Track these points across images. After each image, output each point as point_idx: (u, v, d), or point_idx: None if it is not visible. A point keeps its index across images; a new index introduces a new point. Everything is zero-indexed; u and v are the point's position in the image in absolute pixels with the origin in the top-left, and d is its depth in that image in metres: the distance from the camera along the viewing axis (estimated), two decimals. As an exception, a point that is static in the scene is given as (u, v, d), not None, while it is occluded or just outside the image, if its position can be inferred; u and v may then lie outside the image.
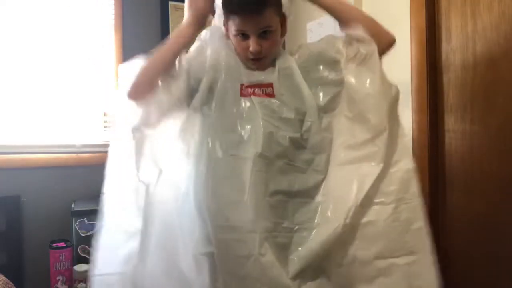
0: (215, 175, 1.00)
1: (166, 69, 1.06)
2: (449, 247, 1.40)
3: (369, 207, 0.96)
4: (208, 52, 1.09)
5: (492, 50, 1.24)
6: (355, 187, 0.95)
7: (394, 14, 1.58)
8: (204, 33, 1.12)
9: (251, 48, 1.03)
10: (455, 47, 1.36)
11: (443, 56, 1.40)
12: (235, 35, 1.05)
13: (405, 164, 0.99)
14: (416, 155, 1.47)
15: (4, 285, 1.40)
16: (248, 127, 1.02)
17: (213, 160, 1.01)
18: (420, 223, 0.96)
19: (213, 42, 1.11)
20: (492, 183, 1.25)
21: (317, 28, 2.08)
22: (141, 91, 1.04)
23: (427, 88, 1.42)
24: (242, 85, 1.07)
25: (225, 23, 1.08)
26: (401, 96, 1.53)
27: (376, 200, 0.96)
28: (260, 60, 1.07)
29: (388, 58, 1.62)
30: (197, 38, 1.12)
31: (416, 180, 0.99)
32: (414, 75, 1.47)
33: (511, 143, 1.19)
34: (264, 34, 1.03)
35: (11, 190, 1.98)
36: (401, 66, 1.54)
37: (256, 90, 1.07)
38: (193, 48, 1.12)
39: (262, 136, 0.99)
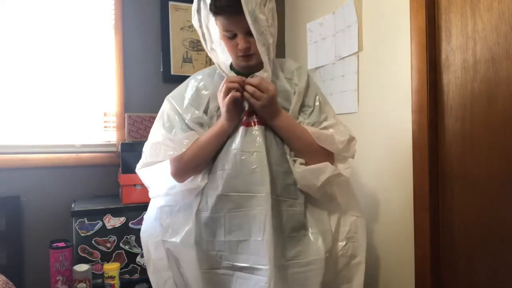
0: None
1: (207, 160, 1.13)
2: (449, 247, 1.40)
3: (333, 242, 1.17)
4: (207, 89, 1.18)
5: (492, 50, 1.24)
6: (333, 225, 1.18)
7: (394, 14, 1.58)
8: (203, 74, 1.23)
9: (239, 46, 1.08)
10: (455, 47, 1.36)
11: (443, 56, 1.40)
12: (224, 35, 1.10)
13: (356, 212, 1.23)
14: (416, 155, 1.47)
15: (4, 285, 1.40)
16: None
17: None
18: (359, 258, 1.22)
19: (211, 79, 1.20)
20: (492, 183, 1.25)
21: (317, 28, 2.08)
22: (184, 175, 1.15)
23: (427, 88, 1.42)
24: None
25: (216, 23, 1.12)
26: (401, 96, 1.54)
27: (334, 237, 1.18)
28: (250, 57, 1.11)
29: (388, 58, 1.63)
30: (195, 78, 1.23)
31: (363, 224, 1.25)
32: (414, 75, 1.47)
33: (511, 143, 1.19)
34: (251, 32, 1.05)
35: (11, 190, 1.98)
36: (401, 66, 1.54)
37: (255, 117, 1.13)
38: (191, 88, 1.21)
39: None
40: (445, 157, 1.41)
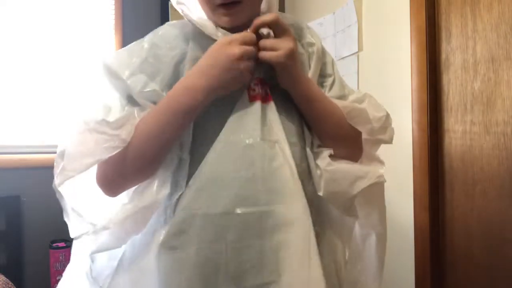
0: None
1: (165, 154, 0.67)
2: (449, 247, 1.40)
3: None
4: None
5: (492, 50, 1.24)
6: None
7: (394, 14, 1.58)
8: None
9: None
10: (455, 47, 1.36)
11: (443, 56, 1.40)
12: None
13: (376, 227, 0.86)
14: (416, 155, 1.47)
15: (4, 285, 1.40)
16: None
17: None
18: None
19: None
20: (492, 183, 1.25)
21: (317, 28, 2.08)
22: (125, 183, 0.69)
23: (427, 88, 1.42)
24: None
25: None
26: (401, 96, 1.54)
27: None
28: (235, 7, 0.69)
29: (388, 58, 1.63)
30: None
31: (383, 242, 0.89)
32: (414, 75, 1.47)
33: (511, 143, 1.19)
34: None
35: (11, 190, 1.98)
36: (401, 66, 1.54)
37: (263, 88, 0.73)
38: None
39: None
40: (445, 157, 1.41)
